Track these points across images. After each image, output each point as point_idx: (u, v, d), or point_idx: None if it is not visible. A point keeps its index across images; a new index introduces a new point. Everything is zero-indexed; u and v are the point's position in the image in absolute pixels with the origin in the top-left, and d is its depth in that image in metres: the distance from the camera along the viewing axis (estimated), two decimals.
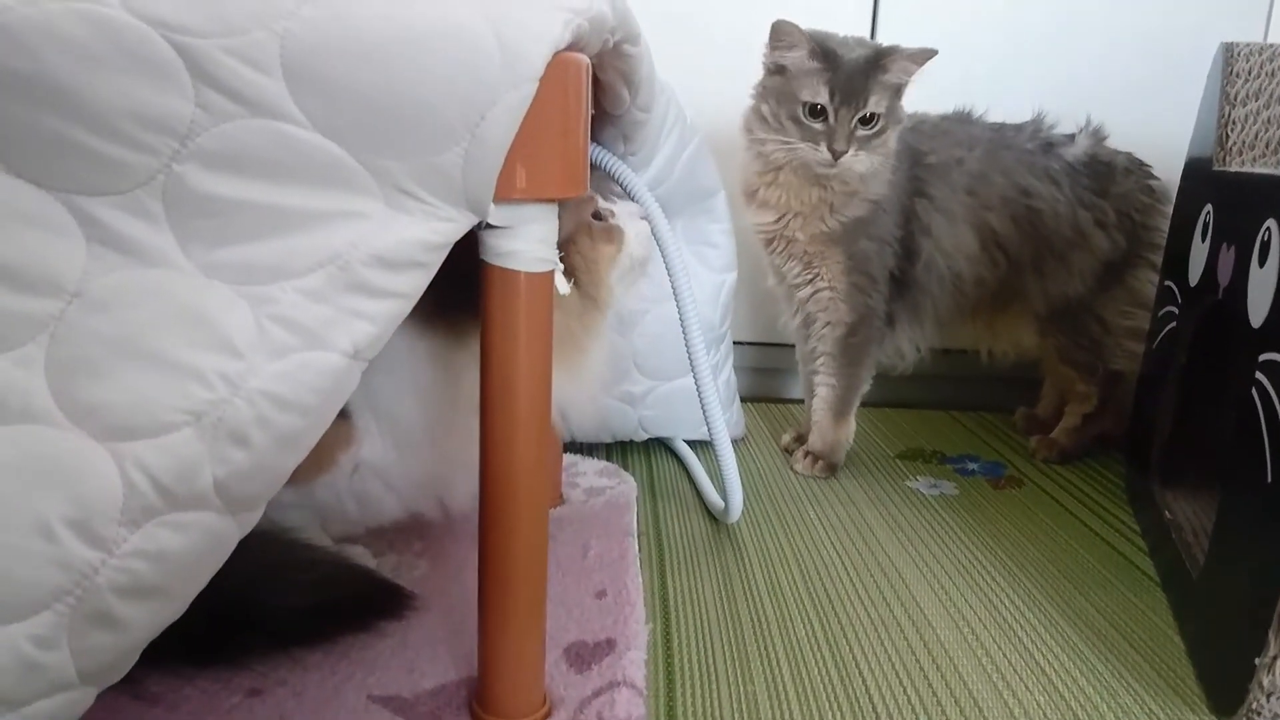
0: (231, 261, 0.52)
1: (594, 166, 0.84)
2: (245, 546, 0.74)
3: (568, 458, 1.16)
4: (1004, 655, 0.80)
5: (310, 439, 0.54)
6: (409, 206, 0.55)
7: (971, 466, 1.28)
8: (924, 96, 1.23)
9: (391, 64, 0.52)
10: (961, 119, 1.27)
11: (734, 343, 1.38)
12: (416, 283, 0.56)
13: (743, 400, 1.45)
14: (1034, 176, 1.23)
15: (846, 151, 1.07)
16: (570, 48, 0.57)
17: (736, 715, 0.70)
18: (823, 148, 1.07)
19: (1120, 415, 1.28)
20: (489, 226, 0.58)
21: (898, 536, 1.03)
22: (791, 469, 1.24)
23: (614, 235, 0.83)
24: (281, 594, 0.73)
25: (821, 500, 1.13)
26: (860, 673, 0.76)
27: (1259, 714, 0.67)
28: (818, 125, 1.08)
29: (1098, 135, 1.28)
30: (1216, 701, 0.73)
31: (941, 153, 1.21)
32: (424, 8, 0.53)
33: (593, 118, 0.81)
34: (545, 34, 0.54)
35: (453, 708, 0.67)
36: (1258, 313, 0.76)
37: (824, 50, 1.06)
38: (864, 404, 1.25)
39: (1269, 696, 0.66)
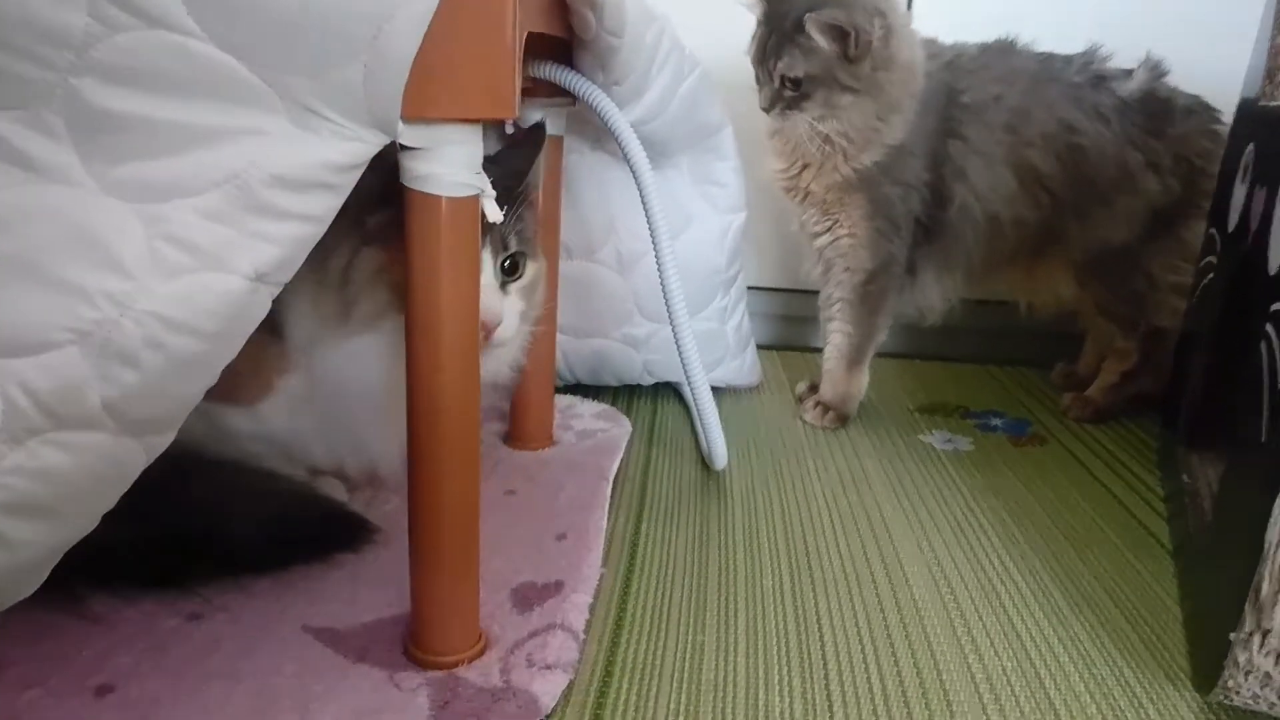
0: (131, 179, 0.51)
1: (574, 97, 0.81)
2: (202, 474, 0.75)
3: (567, 399, 1.15)
4: (979, 617, 0.75)
5: (213, 362, 0.53)
6: (315, 125, 0.52)
7: (995, 422, 1.22)
8: (970, 26, 1.16)
9: None
10: (1004, 49, 1.18)
11: (755, 288, 1.34)
12: (325, 205, 0.54)
13: (765, 348, 1.41)
14: (1079, 111, 1.14)
15: (771, 109, 1.07)
16: None
17: (679, 666, 0.68)
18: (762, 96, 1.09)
19: (1162, 374, 1.20)
20: (405, 148, 0.55)
21: (895, 491, 0.99)
22: (800, 419, 1.20)
23: None
24: (236, 522, 0.73)
25: (824, 452, 1.09)
26: (819, 629, 0.73)
27: (1235, 693, 0.61)
28: (761, 75, 1.08)
29: (1156, 71, 1.17)
30: (1200, 678, 0.67)
31: (977, 90, 1.13)
32: None
33: (570, 45, 0.78)
34: None
35: (384, 643, 0.66)
36: (1278, 257, 0.69)
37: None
38: (893, 354, 1.20)
39: (1246, 675, 0.60)
